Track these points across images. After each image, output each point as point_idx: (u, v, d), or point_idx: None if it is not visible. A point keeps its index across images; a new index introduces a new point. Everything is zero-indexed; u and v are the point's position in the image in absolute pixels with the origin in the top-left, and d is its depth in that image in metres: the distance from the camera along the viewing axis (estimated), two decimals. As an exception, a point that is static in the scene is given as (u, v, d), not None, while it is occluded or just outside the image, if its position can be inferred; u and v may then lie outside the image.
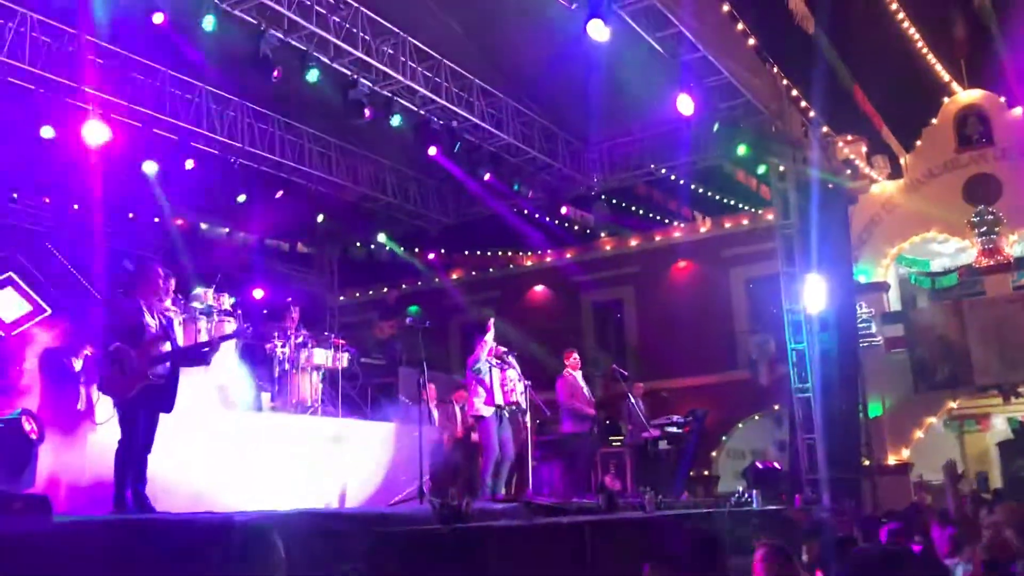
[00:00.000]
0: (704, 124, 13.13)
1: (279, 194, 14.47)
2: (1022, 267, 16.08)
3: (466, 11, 11.95)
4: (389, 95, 12.02)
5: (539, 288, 21.56)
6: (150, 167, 12.78)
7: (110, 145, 11.13)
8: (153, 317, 6.64)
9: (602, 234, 20.07)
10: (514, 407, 9.73)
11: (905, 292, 17.57)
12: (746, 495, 10.91)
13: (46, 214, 14.61)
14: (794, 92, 13.76)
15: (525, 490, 10.05)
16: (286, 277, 17.68)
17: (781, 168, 13.86)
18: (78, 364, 8.06)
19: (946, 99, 16.72)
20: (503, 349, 9.78)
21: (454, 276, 21.78)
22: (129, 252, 14.55)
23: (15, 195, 14.10)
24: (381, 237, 17.71)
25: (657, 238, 20.14)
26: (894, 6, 15.54)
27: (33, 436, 7.00)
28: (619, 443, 12.87)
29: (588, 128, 14.75)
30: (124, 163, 12.39)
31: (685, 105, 11.72)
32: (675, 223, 19.71)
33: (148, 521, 5.74)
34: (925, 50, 16.11)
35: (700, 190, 17.22)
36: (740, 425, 18.42)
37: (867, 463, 14.08)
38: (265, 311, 13.54)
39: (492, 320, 9.93)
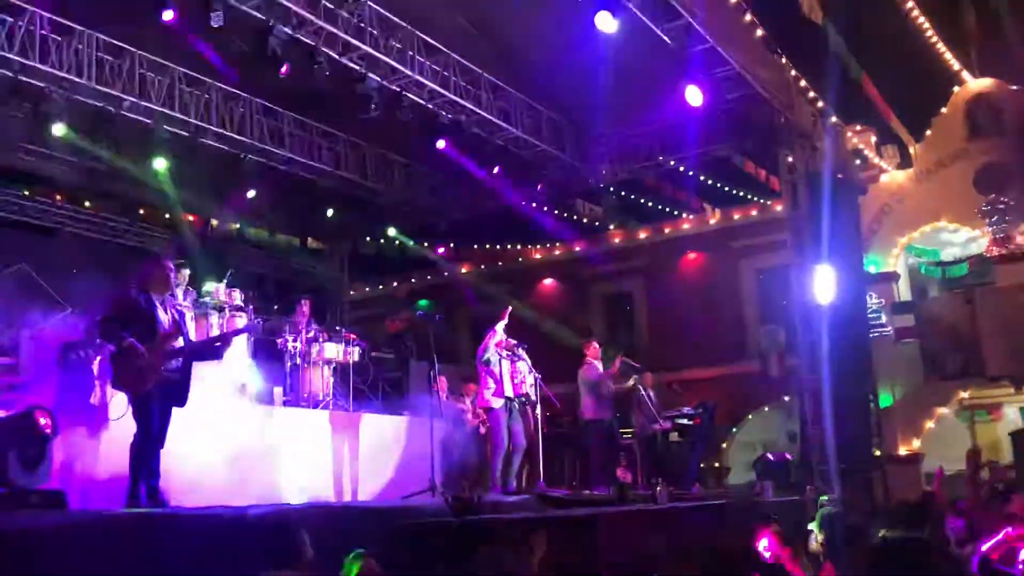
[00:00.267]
0: (712, 115, 13.08)
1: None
2: (1034, 256, 15.98)
3: (473, 4, 11.94)
4: (398, 90, 12.04)
5: (549, 281, 21.60)
6: (160, 163, 12.87)
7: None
8: (166, 312, 6.68)
9: (611, 226, 20.06)
10: (524, 399, 9.76)
11: (915, 282, 17.49)
12: (758, 486, 10.92)
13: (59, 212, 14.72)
14: (803, 83, 13.70)
15: (537, 482, 10.08)
16: (296, 272, 17.76)
17: (790, 159, 13.82)
18: (92, 359, 8.11)
19: (956, 88, 16.61)
20: (513, 342, 9.80)
21: (464, 270, 21.87)
22: (140, 248, 14.68)
23: (26, 192, 14.19)
24: (391, 231, 17.81)
25: (666, 230, 20.14)
26: (903, -6, 15.46)
27: (48, 431, 7.04)
28: (629, 435, 12.85)
29: (596, 120, 14.70)
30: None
31: (694, 96, 11.71)
32: (684, 215, 19.70)
33: (162, 516, 5.78)
34: (935, 38, 15.98)
35: (709, 181, 17.16)
36: (750, 416, 18.42)
37: (878, 454, 14.03)
38: (276, 307, 13.61)
39: (509, 309, 9.95)
